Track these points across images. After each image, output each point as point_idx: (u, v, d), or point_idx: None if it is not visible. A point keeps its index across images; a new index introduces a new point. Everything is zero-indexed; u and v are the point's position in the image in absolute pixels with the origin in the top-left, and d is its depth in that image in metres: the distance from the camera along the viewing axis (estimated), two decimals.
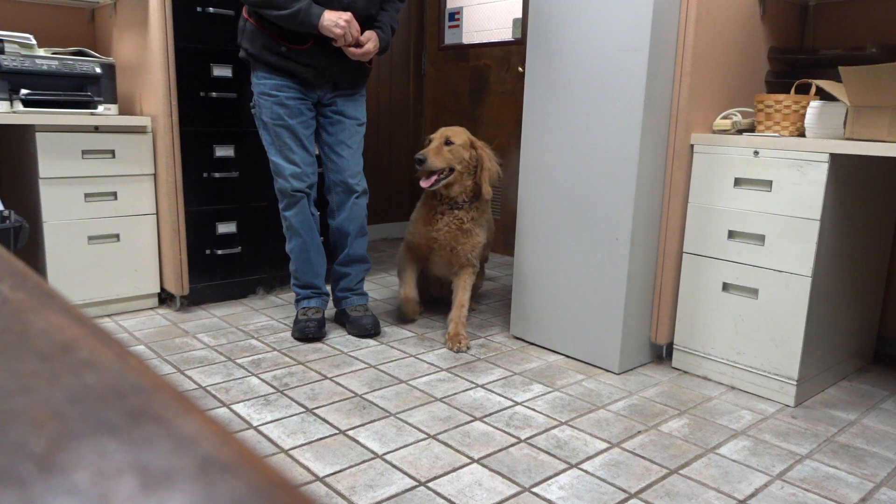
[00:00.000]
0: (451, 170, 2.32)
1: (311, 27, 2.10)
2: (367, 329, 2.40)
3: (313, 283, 2.43)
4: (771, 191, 1.90)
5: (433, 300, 2.82)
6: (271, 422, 1.75)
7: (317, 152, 2.38)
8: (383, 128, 4.17)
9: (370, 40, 2.20)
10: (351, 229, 2.43)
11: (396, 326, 2.55)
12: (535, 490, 1.46)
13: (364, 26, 2.22)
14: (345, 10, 2.16)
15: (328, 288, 2.53)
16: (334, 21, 2.09)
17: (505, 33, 3.77)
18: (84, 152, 2.40)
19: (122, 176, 2.49)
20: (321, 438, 1.67)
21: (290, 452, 1.60)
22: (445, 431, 1.72)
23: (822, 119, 1.91)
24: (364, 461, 1.57)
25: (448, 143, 2.31)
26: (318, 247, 2.41)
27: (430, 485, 1.47)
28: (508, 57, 3.71)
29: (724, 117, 2.08)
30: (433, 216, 2.40)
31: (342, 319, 2.52)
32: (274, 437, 1.67)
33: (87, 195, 2.42)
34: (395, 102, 4.20)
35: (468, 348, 2.30)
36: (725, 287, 2.03)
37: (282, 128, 2.23)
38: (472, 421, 1.79)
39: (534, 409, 1.87)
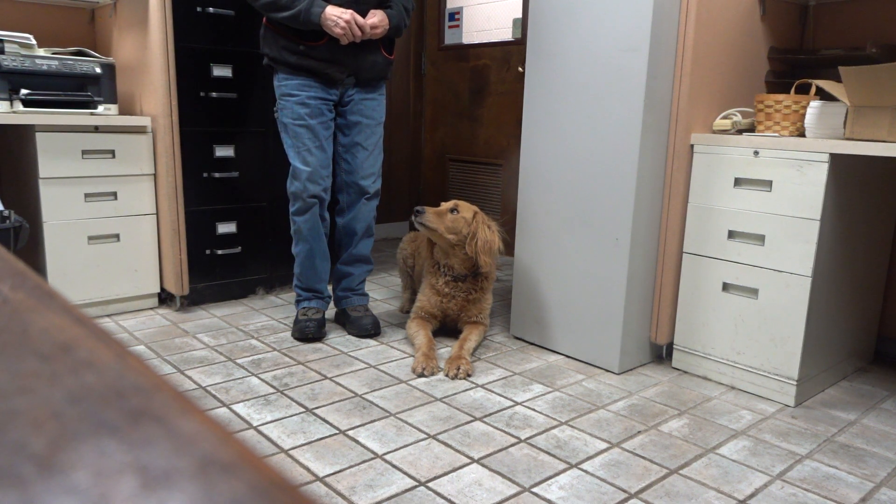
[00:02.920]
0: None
1: (314, 25, 2.11)
2: (368, 329, 2.40)
3: (316, 287, 2.43)
4: (771, 191, 1.90)
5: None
6: (271, 422, 1.75)
7: None
8: (383, 127, 4.16)
9: (374, 15, 2.17)
10: (358, 229, 2.44)
11: (396, 326, 2.55)
12: (535, 490, 1.46)
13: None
14: (352, 1, 2.15)
15: (330, 290, 2.53)
16: (334, 20, 2.09)
17: (505, 33, 3.77)
18: (84, 152, 2.40)
19: (122, 176, 2.49)
20: (321, 438, 1.67)
21: (290, 452, 1.60)
22: (445, 431, 1.72)
23: (822, 119, 1.91)
24: (364, 461, 1.57)
25: (454, 210, 2.27)
26: (325, 253, 2.41)
27: (430, 485, 1.47)
28: (508, 57, 3.71)
29: (724, 117, 2.08)
30: (437, 285, 2.34)
31: (342, 319, 2.52)
32: (274, 437, 1.67)
33: (87, 195, 2.42)
34: (395, 102, 4.20)
35: (468, 375, 2.08)
36: (725, 287, 2.03)
37: (302, 128, 2.23)
38: (472, 421, 1.79)
39: (534, 409, 1.87)
